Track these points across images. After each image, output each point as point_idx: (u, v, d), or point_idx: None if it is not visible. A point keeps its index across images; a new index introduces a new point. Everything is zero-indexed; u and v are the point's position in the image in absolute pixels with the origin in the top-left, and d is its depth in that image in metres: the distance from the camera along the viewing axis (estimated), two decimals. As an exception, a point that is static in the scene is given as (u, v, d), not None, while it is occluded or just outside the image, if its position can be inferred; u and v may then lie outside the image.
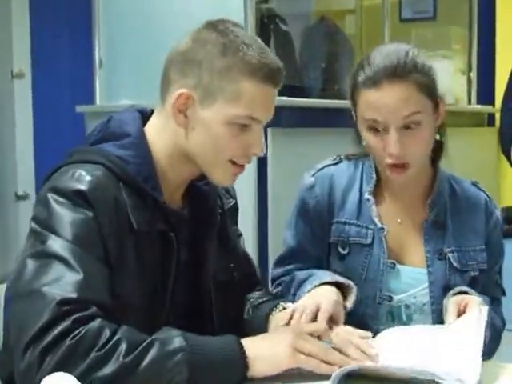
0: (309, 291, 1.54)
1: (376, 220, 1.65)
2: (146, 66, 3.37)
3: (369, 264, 1.63)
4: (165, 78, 1.38)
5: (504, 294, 1.75)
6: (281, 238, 1.80)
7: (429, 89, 1.54)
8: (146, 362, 1.14)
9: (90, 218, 1.25)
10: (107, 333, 1.15)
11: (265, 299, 1.59)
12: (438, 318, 1.60)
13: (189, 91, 1.33)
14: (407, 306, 1.64)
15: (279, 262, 1.78)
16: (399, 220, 1.67)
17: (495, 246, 1.71)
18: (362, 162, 1.71)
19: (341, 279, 1.57)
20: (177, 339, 1.18)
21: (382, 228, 1.64)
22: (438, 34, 4.96)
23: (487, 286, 1.69)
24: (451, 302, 1.51)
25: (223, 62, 1.32)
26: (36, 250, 1.23)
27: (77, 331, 1.14)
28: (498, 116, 4.47)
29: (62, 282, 1.18)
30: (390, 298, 1.65)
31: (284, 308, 1.50)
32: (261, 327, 1.47)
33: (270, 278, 1.80)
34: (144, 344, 1.16)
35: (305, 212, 1.71)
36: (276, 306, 1.51)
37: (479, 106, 4.69)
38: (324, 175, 1.70)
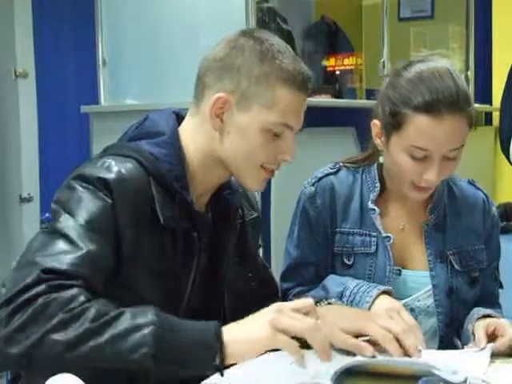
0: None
1: (380, 228, 1.65)
2: (149, 64, 3.38)
3: (374, 272, 1.64)
4: (199, 84, 1.40)
5: (501, 286, 1.79)
6: (283, 243, 1.78)
7: (473, 121, 1.55)
8: (111, 330, 1.11)
9: (108, 205, 1.26)
10: (80, 299, 1.14)
11: None
12: (444, 321, 1.64)
13: (227, 95, 1.35)
14: (412, 309, 1.65)
15: (286, 276, 1.76)
16: (401, 226, 1.68)
17: (494, 243, 1.74)
18: (361, 169, 1.71)
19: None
20: (149, 314, 1.13)
21: (388, 236, 1.65)
22: (435, 33, 4.99)
23: (487, 282, 1.72)
24: (479, 329, 1.51)
25: (261, 69, 1.34)
26: (48, 226, 1.26)
27: (50, 294, 1.13)
28: (495, 115, 4.50)
29: (58, 257, 1.19)
30: None
31: (329, 303, 1.49)
32: None
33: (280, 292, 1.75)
34: (113, 313, 1.13)
35: (306, 222, 1.70)
36: (319, 302, 1.48)
37: (477, 105, 4.71)
38: (324, 185, 1.70)
